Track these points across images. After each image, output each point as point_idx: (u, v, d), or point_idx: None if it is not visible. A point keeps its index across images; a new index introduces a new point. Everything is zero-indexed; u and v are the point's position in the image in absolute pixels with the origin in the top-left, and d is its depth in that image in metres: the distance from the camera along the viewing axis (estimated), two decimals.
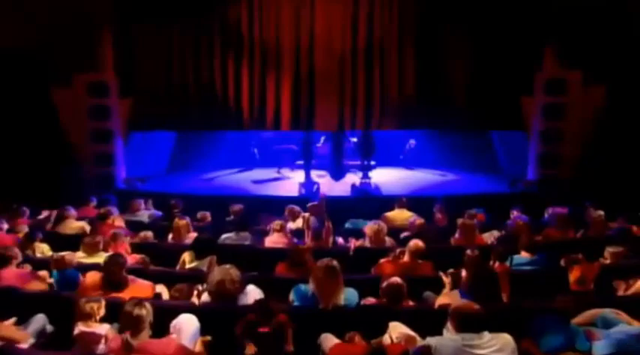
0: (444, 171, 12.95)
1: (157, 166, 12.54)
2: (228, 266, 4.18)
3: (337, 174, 11.99)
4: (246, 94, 10.42)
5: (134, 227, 7.26)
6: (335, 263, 4.18)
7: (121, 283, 4.30)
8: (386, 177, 12.28)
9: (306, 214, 6.29)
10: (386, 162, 13.89)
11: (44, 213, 8.00)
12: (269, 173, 13.02)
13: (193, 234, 6.43)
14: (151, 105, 10.30)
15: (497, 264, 4.96)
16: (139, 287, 4.39)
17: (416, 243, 5.14)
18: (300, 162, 13.18)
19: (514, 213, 7.58)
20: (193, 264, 5.45)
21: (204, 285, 4.40)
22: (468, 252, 5.20)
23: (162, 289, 4.74)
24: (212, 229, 7.11)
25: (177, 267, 5.56)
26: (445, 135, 13.75)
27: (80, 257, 5.64)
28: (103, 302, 3.71)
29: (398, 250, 5.30)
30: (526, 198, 9.07)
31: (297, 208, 7.12)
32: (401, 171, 13.10)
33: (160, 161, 12.67)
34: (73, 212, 7.25)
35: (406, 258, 5.19)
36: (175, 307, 4.02)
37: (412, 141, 13.77)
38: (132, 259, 5.99)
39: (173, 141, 12.96)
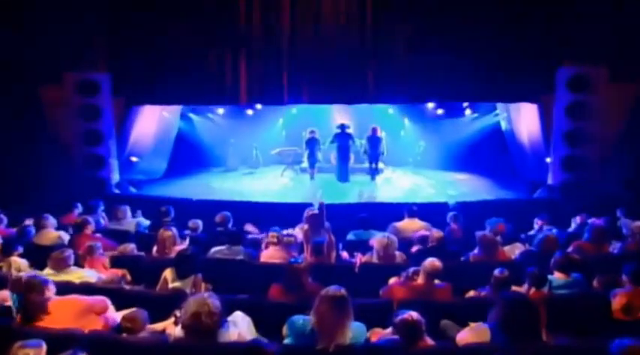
0: (456, 174, 12.11)
1: (155, 169, 11.81)
2: (205, 294, 3.38)
3: (342, 177, 11.17)
4: (244, 69, 9.46)
5: (119, 237, 6.49)
6: (344, 293, 3.36)
7: (37, 313, 3.49)
8: (394, 181, 11.48)
9: (305, 226, 5.45)
10: (394, 164, 13.10)
11: (27, 222, 7.19)
12: (272, 176, 12.25)
13: (181, 247, 5.64)
14: (144, 80, 9.52)
15: (532, 290, 4.11)
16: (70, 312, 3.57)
17: (432, 262, 4.30)
18: (305, 165, 12.42)
19: (538, 223, 6.73)
20: (176, 284, 4.66)
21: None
22: (496, 273, 4.37)
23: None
24: (204, 240, 6.32)
25: (158, 287, 4.77)
26: (456, 137, 12.98)
27: (48, 274, 4.86)
28: (44, 348, 2.89)
29: (411, 270, 4.47)
30: (548, 205, 8.21)
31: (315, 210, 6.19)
32: (410, 175, 12.26)
33: (158, 164, 11.93)
34: (51, 220, 6.47)
35: (420, 279, 4.36)
36: (135, 345, 3.21)
37: (422, 143, 12.95)
38: (110, 275, 5.27)
39: (173, 143, 12.26)
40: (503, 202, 8.34)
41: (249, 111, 14.49)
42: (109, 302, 3.95)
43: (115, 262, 5.53)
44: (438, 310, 4.11)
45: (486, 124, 12.75)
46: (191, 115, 13.42)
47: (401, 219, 6.63)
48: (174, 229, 5.63)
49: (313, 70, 9.31)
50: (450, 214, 6.75)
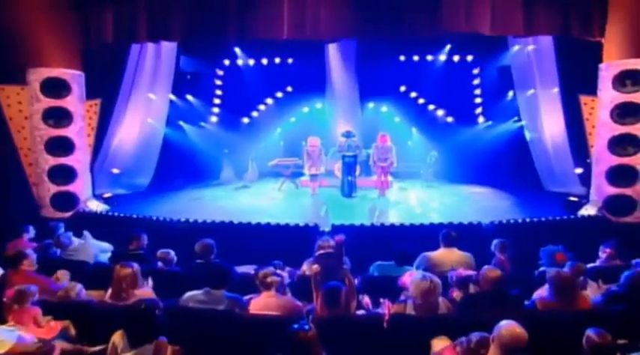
0: (473, 187, 10.51)
1: (139, 183, 10.20)
2: None
3: (348, 192, 9.58)
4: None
5: (75, 271, 4.88)
6: None
7: None
8: (407, 197, 9.82)
9: (314, 266, 3.84)
10: (403, 177, 11.53)
11: None
12: (269, 190, 10.65)
13: (145, 291, 4.04)
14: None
15: None
16: None
17: (512, 330, 2.73)
18: (305, 178, 10.86)
19: (605, 252, 5.15)
20: None
21: None
22: (594, 336, 2.86)
23: None
24: (179, 278, 4.72)
25: None
26: (470, 146, 11.46)
27: None
28: None
29: (474, 338, 2.88)
30: (601, 227, 6.66)
31: (331, 242, 4.63)
32: (423, 189, 10.64)
33: (142, 176, 10.33)
34: None
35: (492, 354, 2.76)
36: None
37: (434, 153, 11.40)
38: (44, 333, 3.67)
39: (159, 154, 10.66)
40: (547, 223, 6.72)
41: (245, 120, 13.03)
42: None
43: (56, 310, 3.95)
44: None
45: (503, 132, 11.28)
46: (181, 123, 11.90)
47: (432, 246, 5.02)
48: (135, 266, 4.01)
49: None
50: (496, 242, 5.14)
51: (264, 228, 6.37)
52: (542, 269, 4.85)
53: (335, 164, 11.29)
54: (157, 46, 9.95)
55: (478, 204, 8.72)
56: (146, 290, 4.02)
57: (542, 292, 4.03)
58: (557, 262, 4.77)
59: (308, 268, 4.73)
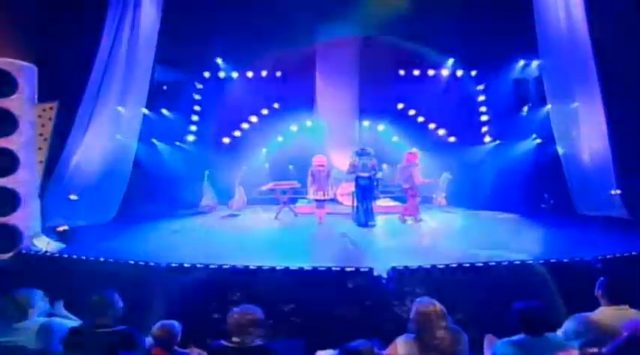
0: (498, 213, 8.77)
1: (103, 212, 7.81)
2: None
3: (365, 220, 7.61)
4: None
5: None
6: None
7: None
8: (441, 227, 7.70)
9: None
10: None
11: None
12: (263, 220, 8.51)
13: None
14: None
15: None
16: None
17: None
18: (303, 204, 8.91)
19: None
20: None
21: None
22: None
23: None
24: None
25: None
26: (481, 168, 9.92)
27: None
28: None
29: None
30: None
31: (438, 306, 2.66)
32: (444, 215, 8.76)
33: (107, 204, 7.94)
34: None
35: None
36: None
37: (447, 175, 9.69)
38: None
39: (129, 176, 8.32)
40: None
41: (226, 140, 10.96)
42: None
43: None
44: None
45: (520, 152, 9.80)
46: (155, 141, 9.68)
47: (591, 304, 3.12)
48: None
49: None
50: None
51: (297, 275, 4.21)
52: None
53: (338, 187, 9.40)
54: (129, 49, 7.87)
55: (525, 234, 6.91)
56: None
57: None
58: None
59: (405, 350, 2.74)
